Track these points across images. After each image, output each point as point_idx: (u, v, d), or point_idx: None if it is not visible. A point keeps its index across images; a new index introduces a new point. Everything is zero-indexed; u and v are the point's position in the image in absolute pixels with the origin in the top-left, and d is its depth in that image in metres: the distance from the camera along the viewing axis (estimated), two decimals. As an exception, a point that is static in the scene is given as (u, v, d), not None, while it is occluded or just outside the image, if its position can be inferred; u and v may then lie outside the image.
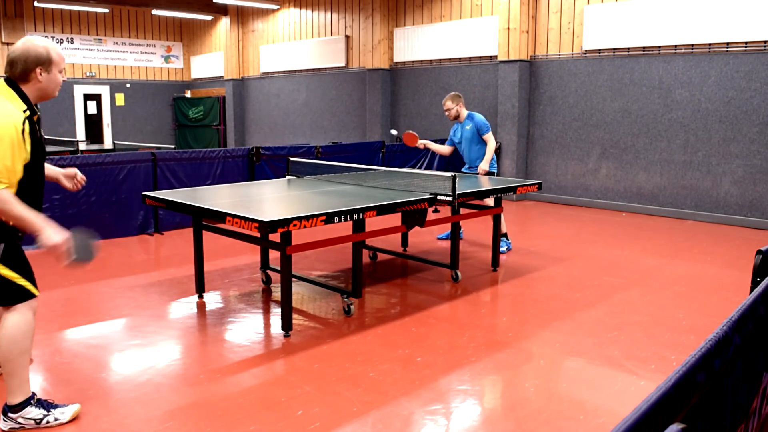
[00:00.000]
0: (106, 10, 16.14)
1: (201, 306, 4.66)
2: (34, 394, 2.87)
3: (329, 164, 6.03)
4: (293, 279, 4.30)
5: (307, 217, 3.69)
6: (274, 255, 4.60)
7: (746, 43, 7.66)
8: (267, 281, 5.19)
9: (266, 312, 4.59)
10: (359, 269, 4.51)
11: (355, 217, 4.00)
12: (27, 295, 2.79)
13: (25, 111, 2.74)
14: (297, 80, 14.78)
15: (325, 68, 13.90)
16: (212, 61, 17.67)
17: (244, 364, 3.58)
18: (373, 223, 5.00)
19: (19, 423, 2.80)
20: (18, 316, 2.76)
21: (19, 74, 2.78)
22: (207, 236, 4.72)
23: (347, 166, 6.16)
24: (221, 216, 3.81)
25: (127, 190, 7.04)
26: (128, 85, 17.54)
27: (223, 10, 16.31)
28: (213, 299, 4.83)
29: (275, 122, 15.55)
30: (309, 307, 4.69)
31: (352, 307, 4.44)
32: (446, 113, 6.44)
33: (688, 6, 8.13)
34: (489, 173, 6.29)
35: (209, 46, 17.85)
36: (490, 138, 6.34)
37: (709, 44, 7.99)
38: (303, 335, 4.03)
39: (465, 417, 3.02)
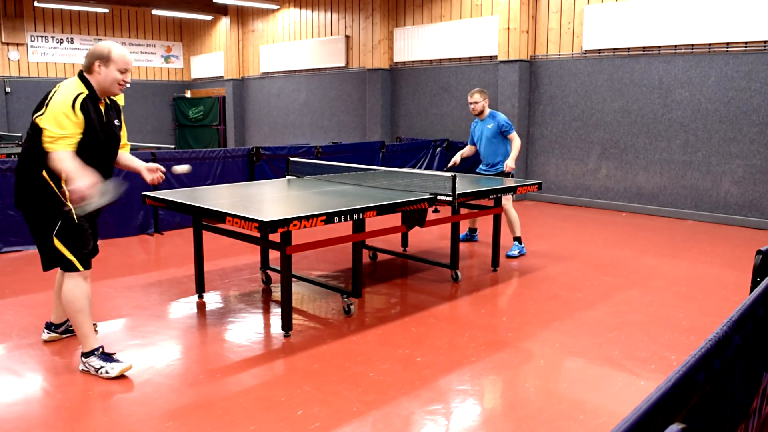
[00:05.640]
0: (106, 10, 16.14)
1: (201, 306, 4.66)
2: (101, 347, 3.43)
3: (329, 164, 6.03)
4: (293, 279, 4.30)
5: (307, 217, 3.69)
6: (274, 255, 4.60)
7: (746, 43, 7.66)
8: (267, 281, 5.19)
9: (266, 312, 4.59)
10: (359, 269, 4.51)
11: (355, 217, 4.00)
12: (74, 268, 3.33)
13: (81, 93, 3.24)
14: (297, 80, 14.78)
15: (325, 68, 13.90)
16: (212, 61, 17.66)
17: (244, 364, 3.58)
18: (373, 223, 5.01)
19: (86, 368, 3.39)
20: (70, 281, 3.34)
21: (85, 66, 3.37)
22: (207, 236, 4.72)
23: (347, 166, 6.15)
24: (221, 216, 3.81)
25: (127, 190, 6.99)
26: (128, 85, 17.53)
27: (223, 10, 16.31)
28: (213, 299, 4.83)
29: (275, 122, 15.55)
30: (309, 307, 4.69)
31: (352, 307, 4.44)
32: (471, 107, 6.32)
33: (688, 6, 8.13)
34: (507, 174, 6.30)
35: (209, 46, 17.84)
36: (516, 137, 6.34)
37: (709, 44, 7.99)
38: (303, 335, 4.03)
39: (465, 417, 3.02)
